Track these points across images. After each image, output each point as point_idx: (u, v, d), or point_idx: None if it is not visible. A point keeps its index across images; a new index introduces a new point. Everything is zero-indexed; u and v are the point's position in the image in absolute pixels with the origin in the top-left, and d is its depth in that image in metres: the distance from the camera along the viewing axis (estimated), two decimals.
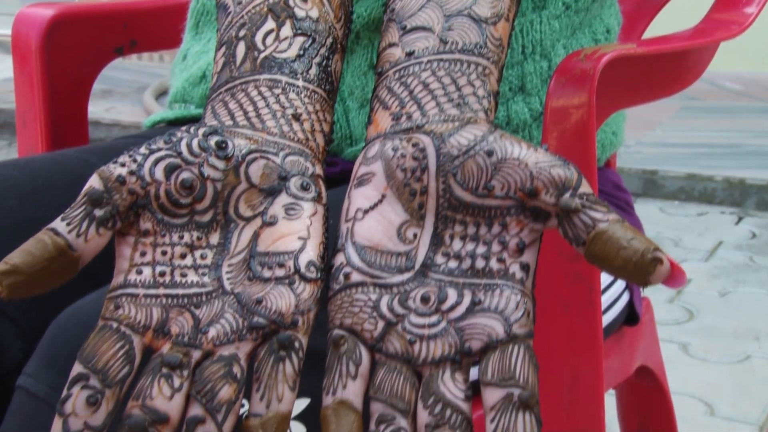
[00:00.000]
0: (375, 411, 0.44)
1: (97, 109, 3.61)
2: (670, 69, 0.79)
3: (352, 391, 0.44)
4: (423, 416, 0.44)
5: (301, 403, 0.63)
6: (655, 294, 2.17)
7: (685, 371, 1.85)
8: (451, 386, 0.44)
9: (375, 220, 0.48)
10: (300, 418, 0.64)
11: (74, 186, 0.73)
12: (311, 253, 0.46)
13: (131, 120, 3.61)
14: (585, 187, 0.45)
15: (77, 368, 0.43)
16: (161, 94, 3.88)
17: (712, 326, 2.05)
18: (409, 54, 0.51)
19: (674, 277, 0.43)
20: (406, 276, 0.47)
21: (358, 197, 0.48)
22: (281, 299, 0.45)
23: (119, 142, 0.83)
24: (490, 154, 0.46)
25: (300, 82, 0.51)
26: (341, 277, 0.47)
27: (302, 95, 0.51)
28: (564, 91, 0.68)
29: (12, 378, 0.65)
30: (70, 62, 0.91)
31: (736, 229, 2.66)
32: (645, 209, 2.80)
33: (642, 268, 0.43)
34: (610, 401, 0.98)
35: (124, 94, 4.01)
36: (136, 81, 4.22)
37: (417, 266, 0.47)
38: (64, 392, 0.43)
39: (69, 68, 0.91)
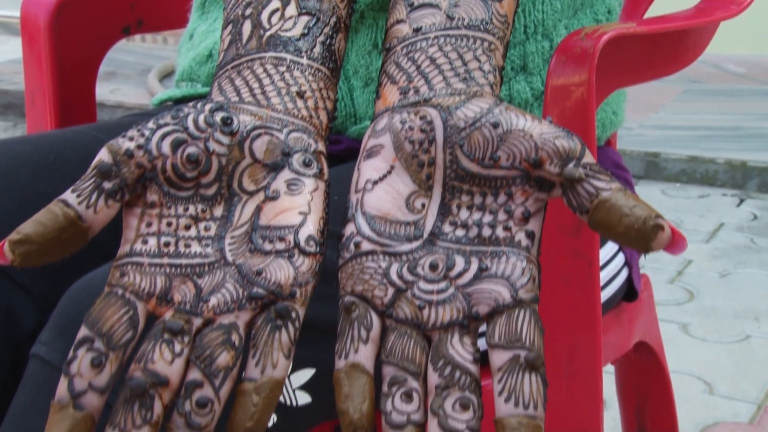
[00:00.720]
0: (387, 374, 0.45)
1: (101, 91, 3.62)
2: (669, 48, 0.80)
3: (364, 355, 0.45)
4: (433, 378, 0.45)
5: (307, 374, 0.65)
6: (656, 274, 2.18)
7: (684, 350, 1.87)
8: (460, 349, 0.45)
9: (384, 190, 0.49)
10: (305, 387, 0.65)
11: (85, 161, 0.74)
12: (311, 227, 0.47)
13: (135, 102, 3.62)
14: (588, 158, 0.46)
15: (83, 331, 0.45)
16: (165, 76, 3.88)
17: (713, 307, 2.07)
18: (417, 30, 0.52)
19: (675, 243, 0.44)
20: (415, 244, 0.48)
21: (368, 169, 0.49)
22: (280, 271, 0.46)
23: (128, 119, 0.84)
24: (495, 125, 0.48)
25: (304, 61, 0.52)
26: (352, 246, 0.48)
27: (306, 73, 0.52)
28: (564, 69, 0.69)
29: (26, 347, 0.66)
30: (78, 42, 0.91)
31: (737, 211, 2.67)
32: (647, 191, 2.81)
33: (644, 235, 0.44)
34: (610, 379, 0.99)
35: (128, 76, 4.02)
36: (140, 63, 4.22)
37: (425, 235, 0.48)
38: (70, 354, 0.44)
39: (77, 48, 0.92)
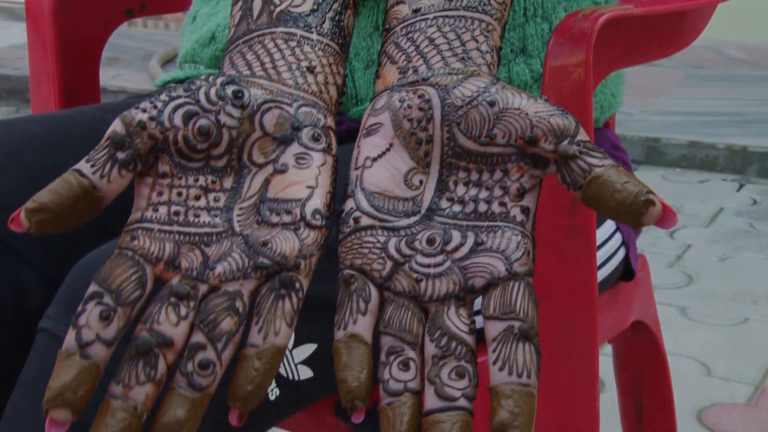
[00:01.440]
0: (385, 344, 0.46)
1: (103, 76, 3.61)
2: (667, 30, 0.81)
3: (362, 326, 0.46)
4: (430, 348, 0.46)
5: (309, 348, 0.66)
6: (655, 258, 2.20)
7: (683, 333, 1.88)
8: (456, 320, 0.46)
9: (383, 167, 0.50)
10: (307, 362, 0.66)
11: (90, 140, 0.75)
12: (318, 201, 0.48)
13: (137, 87, 3.63)
14: (582, 135, 0.47)
15: (92, 288, 0.45)
16: (167, 61, 3.89)
17: (711, 290, 2.08)
18: (416, 11, 0.53)
19: (666, 218, 0.45)
20: (413, 219, 0.49)
21: (367, 146, 0.50)
22: (286, 243, 0.47)
23: (133, 100, 0.85)
24: (492, 104, 0.49)
25: (314, 36, 0.53)
26: (351, 221, 0.49)
27: (316, 48, 0.53)
28: (562, 50, 0.70)
29: (34, 322, 0.68)
30: (82, 24, 0.92)
31: (737, 196, 2.68)
32: (647, 176, 2.82)
33: (635, 210, 0.45)
34: (608, 362, 1.00)
35: (131, 62, 4.02)
36: (142, 48, 4.23)
37: (423, 210, 0.49)
38: (79, 308, 0.45)
39: (81, 30, 0.92)
